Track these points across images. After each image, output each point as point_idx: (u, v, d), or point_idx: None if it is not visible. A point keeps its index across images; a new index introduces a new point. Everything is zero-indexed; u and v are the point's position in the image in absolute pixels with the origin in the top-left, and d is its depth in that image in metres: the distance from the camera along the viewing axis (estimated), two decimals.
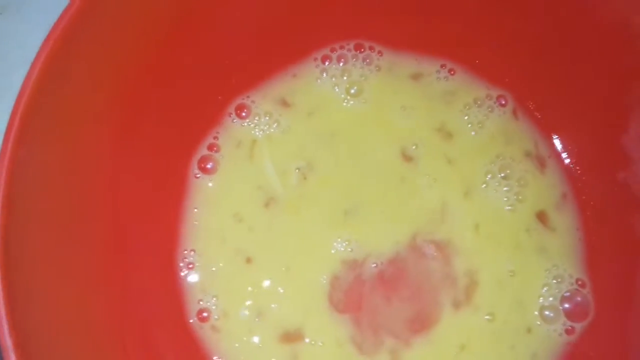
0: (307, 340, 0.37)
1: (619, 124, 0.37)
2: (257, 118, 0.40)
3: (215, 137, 0.39)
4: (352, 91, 0.40)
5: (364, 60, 0.40)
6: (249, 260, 0.38)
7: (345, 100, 0.40)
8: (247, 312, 0.37)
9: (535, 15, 0.37)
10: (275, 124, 0.40)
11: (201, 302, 0.37)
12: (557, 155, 0.40)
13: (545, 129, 0.40)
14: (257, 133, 0.40)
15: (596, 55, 0.36)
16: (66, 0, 0.28)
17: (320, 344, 0.37)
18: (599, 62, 0.36)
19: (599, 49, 0.36)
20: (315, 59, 0.40)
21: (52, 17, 0.28)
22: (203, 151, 0.39)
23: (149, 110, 0.35)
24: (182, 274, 0.38)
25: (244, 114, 0.40)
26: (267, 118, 0.40)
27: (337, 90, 0.40)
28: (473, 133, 0.40)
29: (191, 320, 0.37)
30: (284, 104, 0.40)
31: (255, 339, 0.37)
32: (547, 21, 0.37)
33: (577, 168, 0.40)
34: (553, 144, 0.40)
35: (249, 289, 0.37)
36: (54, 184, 0.30)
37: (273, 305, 0.37)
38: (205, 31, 0.36)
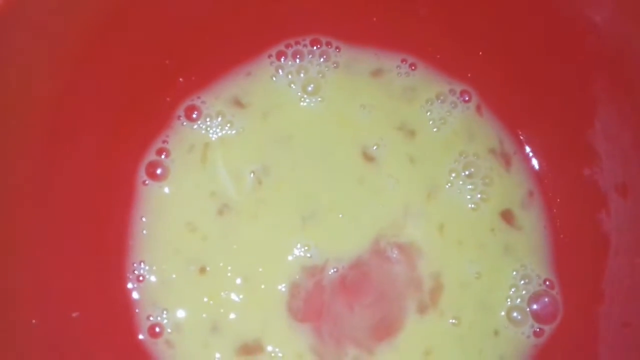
0: (266, 351, 0.36)
1: (584, 119, 0.36)
2: (208, 120, 0.38)
3: (164, 141, 0.38)
4: (309, 89, 0.39)
5: (320, 56, 0.39)
6: (203, 271, 0.36)
7: (302, 99, 0.39)
8: (202, 325, 0.35)
9: (497, 9, 0.36)
10: (228, 125, 0.38)
11: (151, 317, 0.36)
12: (523, 152, 0.39)
13: (510, 125, 0.40)
14: (211, 135, 0.38)
15: (560, 51, 0.36)
16: None
17: (280, 355, 0.36)
18: (563, 57, 0.36)
19: (562, 44, 0.35)
20: (270, 56, 0.39)
21: None
22: (152, 156, 0.37)
23: (89, 113, 0.33)
24: (131, 287, 0.36)
25: (194, 115, 0.38)
26: (220, 119, 0.38)
27: (293, 88, 0.39)
28: (435, 130, 0.39)
29: (141, 337, 0.35)
30: (238, 104, 0.38)
31: (213, 353, 0.35)
32: (510, 15, 0.36)
33: (543, 165, 0.39)
34: (518, 141, 0.40)
35: (204, 300, 0.36)
36: None
37: (231, 317, 0.36)
38: (149, 25, 0.34)
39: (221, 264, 0.36)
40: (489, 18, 0.37)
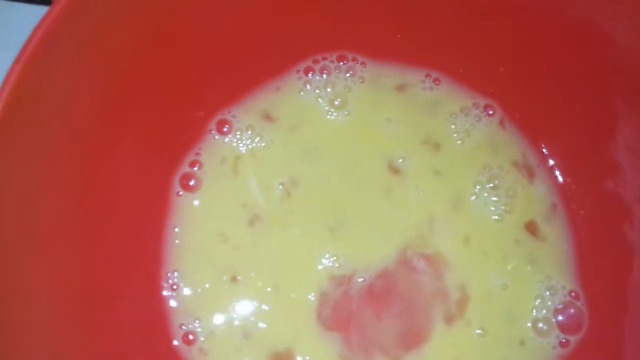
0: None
1: (606, 132, 0.36)
2: (239, 133, 0.39)
3: (197, 154, 0.38)
4: (336, 103, 0.40)
5: (347, 71, 0.40)
6: (234, 280, 0.37)
7: (329, 113, 0.40)
8: (235, 333, 0.36)
9: (517, 26, 0.37)
10: (258, 138, 0.39)
11: (184, 326, 0.36)
12: (546, 164, 0.40)
13: (533, 138, 0.40)
14: (241, 148, 0.39)
15: (580, 66, 0.36)
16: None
17: None
18: (584, 72, 0.36)
19: (582, 60, 0.36)
20: (298, 71, 0.40)
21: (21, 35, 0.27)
22: (185, 168, 0.38)
23: (127, 127, 0.34)
24: (166, 295, 0.36)
25: (225, 129, 0.39)
26: (250, 132, 0.39)
27: (320, 102, 0.40)
28: (459, 142, 0.40)
29: (176, 343, 0.36)
30: (267, 117, 0.39)
31: None
32: (533, 31, 0.37)
33: (566, 177, 0.39)
34: (541, 154, 0.40)
35: (236, 308, 0.37)
36: (26, 201, 0.29)
37: (261, 325, 0.36)
38: (183, 45, 0.35)
39: (252, 274, 0.37)
40: (510, 35, 0.37)
